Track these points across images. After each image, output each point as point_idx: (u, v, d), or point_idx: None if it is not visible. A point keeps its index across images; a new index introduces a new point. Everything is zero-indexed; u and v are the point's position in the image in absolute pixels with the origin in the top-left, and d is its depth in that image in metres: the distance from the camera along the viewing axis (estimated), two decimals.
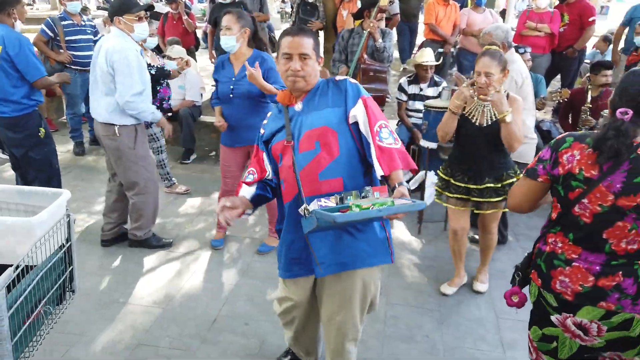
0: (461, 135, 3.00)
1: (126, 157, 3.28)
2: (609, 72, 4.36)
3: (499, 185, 2.97)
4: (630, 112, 1.59)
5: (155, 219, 3.59)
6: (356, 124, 1.95)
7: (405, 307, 3.04)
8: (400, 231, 3.99)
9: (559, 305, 1.74)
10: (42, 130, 3.52)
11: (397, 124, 4.92)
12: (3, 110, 3.40)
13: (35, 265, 1.62)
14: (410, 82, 4.58)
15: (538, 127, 4.68)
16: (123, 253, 3.55)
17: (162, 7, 6.94)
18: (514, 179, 2.96)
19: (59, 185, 3.76)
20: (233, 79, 3.24)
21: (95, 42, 5.17)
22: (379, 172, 1.88)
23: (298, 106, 2.00)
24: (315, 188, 1.89)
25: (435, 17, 6.25)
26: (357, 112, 1.93)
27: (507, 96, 2.88)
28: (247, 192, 2.06)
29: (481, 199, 2.99)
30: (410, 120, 4.61)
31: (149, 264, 3.44)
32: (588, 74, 4.59)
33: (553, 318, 1.76)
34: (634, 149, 1.59)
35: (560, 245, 1.74)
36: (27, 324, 1.61)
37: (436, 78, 4.55)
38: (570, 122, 4.64)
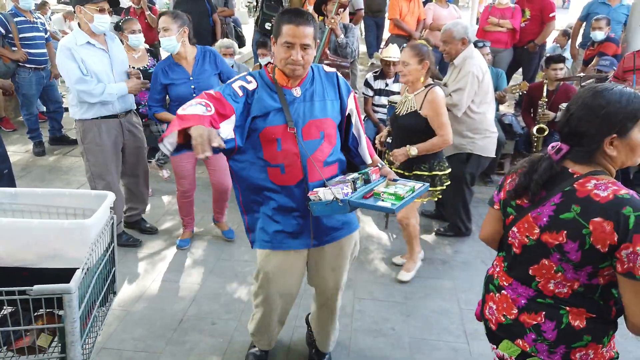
0: (390, 122, 3.20)
1: (80, 148, 3.36)
2: (559, 65, 4.52)
3: (407, 173, 3.10)
4: (565, 147, 1.42)
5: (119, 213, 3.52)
6: (349, 116, 2.17)
7: (372, 301, 3.08)
8: (367, 225, 4.03)
9: (487, 332, 1.66)
10: None
11: (363, 119, 4.95)
12: None
13: (89, 268, 1.61)
14: (376, 78, 4.62)
15: (500, 121, 4.80)
16: None
17: (123, 2, 6.78)
18: (425, 173, 3.07)
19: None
20: (191, 78, 3.22)
21: (45, 39, 5.02)
22: (367, 159, 2.25)
23: (297, 92, 2.02)
24: (319, 175, 2.04)
25: (400, 12, 6.31)
26: (352, 107, 2.17)
27: (428, 91, 2.98)
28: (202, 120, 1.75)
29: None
30: (376, 116, 4.65)
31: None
32: None
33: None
34: (570, 181, 1.40)
35: (498, 269, 1.63)
36: (88, 326, 1.61)
37: None
38: (532, 115, 4.78)
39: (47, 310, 1.53)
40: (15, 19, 4.78)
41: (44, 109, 5.62)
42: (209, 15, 6.00)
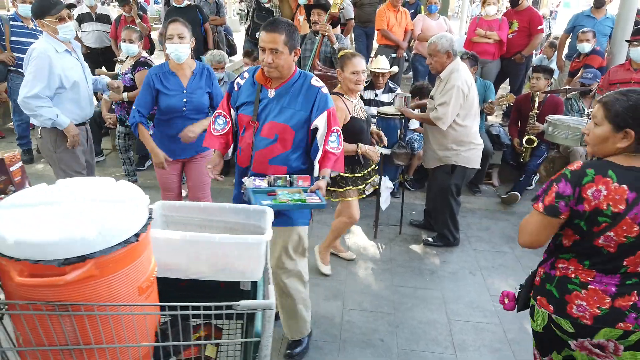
0: (358, 133, 3.20)
1: (49, 157, 3.33)
2: (538, 74, 4.61)
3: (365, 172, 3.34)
4: None
5: None
6: (315, 130, 2.31)
7: (361, 312, 3.09)
8: (357, 235, 4.05)
9: (576, 330, 1.71)
10: None
11: None
12: None
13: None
14: (365, 88, 4.65)
15: (487, 132, 4.86)
16: None
17: (111, 10, 6.78)
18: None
19: None
20: (184, 91, 3.11)
21: None
22: (315, 172, 2.34)
23: (271, 93, 2.28)
24: (263, 169, 2.30)
25: (387, 23, 6.36)
26: (320, 123, 2.28)
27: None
28: (217, 144, 2.44)
29: (364, 184, 3.35)
30: None
31: None
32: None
33: (570, 343, 1.76)
34: None
35: (572, 269, 1.72)
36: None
37: (391, 84, 4.64)
38: (518, 127, 4.84)
39: (206, 321, 1.60)
40: (12, 23, 4.76)
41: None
42: (201, 24, 6.01)
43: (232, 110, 2.43)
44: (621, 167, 1.60)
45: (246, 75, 2.36)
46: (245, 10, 7.07)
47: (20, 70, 4.85)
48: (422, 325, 2.99)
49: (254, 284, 1.77)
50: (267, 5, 6.27)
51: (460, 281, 3.46)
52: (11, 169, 1.62)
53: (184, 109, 3.12)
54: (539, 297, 1.79)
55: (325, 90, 2.31)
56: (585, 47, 5.47)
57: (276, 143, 2.27)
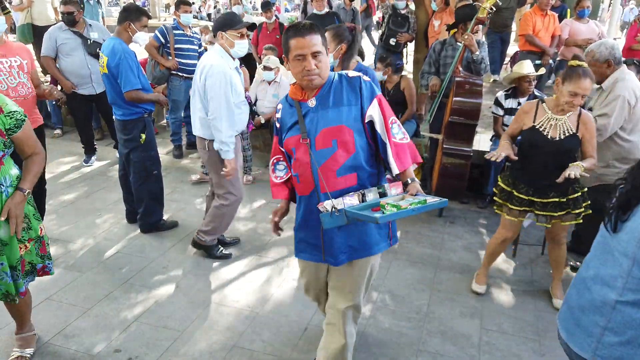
0: (529, 147, 2.94)
1: (215, 168, 3.40)
2: None
3: (564, 199, 2.92)
4: None
5: (225, 229, 3.66)
6: (371, 122, 2.05)
7: (501, 333, 2.91)
8: None
9: None
10: (143, 136, 3.73)
11: (490, 139, 4.75)
12: (116, 113, 3.75)
13: None
14: (507, 96, 4.40)
15: None
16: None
17: (250, 18, 7.20)
18: (579, 193, 2.93)
19: (155, 191, 3.95)
20: None
21: (199, 53, 5.46)
22: (394, 170, 2.04)
23: (312, 102, 2.04)
24: (333, 184, 2.00)
25: (533, 27, 5.97)
26: (373, 112, 2.03)
27: (580, 115, 2.86)
28: (285, 193, 2.27)
29: (544, 212, 2.97)
30: None
31: (241, 267, 3.55)
32: None
33: None
34: None
35: None
36: None
37: (537, 92, 4.34)
38: None
39: None
40: (175, 31, 5.30)
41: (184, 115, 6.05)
42: None
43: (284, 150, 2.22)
44: None
45: (279, 106, 2.16)
46: (381, 16, 7.11)
47: (180, 73, 5.36)
48: None
49: None
50: (403, 12, 6.23)
51: None
52: None
53: None
54: None
55: (366, 77, 2.06)
56: None
57: (338, 150, 1.99)
